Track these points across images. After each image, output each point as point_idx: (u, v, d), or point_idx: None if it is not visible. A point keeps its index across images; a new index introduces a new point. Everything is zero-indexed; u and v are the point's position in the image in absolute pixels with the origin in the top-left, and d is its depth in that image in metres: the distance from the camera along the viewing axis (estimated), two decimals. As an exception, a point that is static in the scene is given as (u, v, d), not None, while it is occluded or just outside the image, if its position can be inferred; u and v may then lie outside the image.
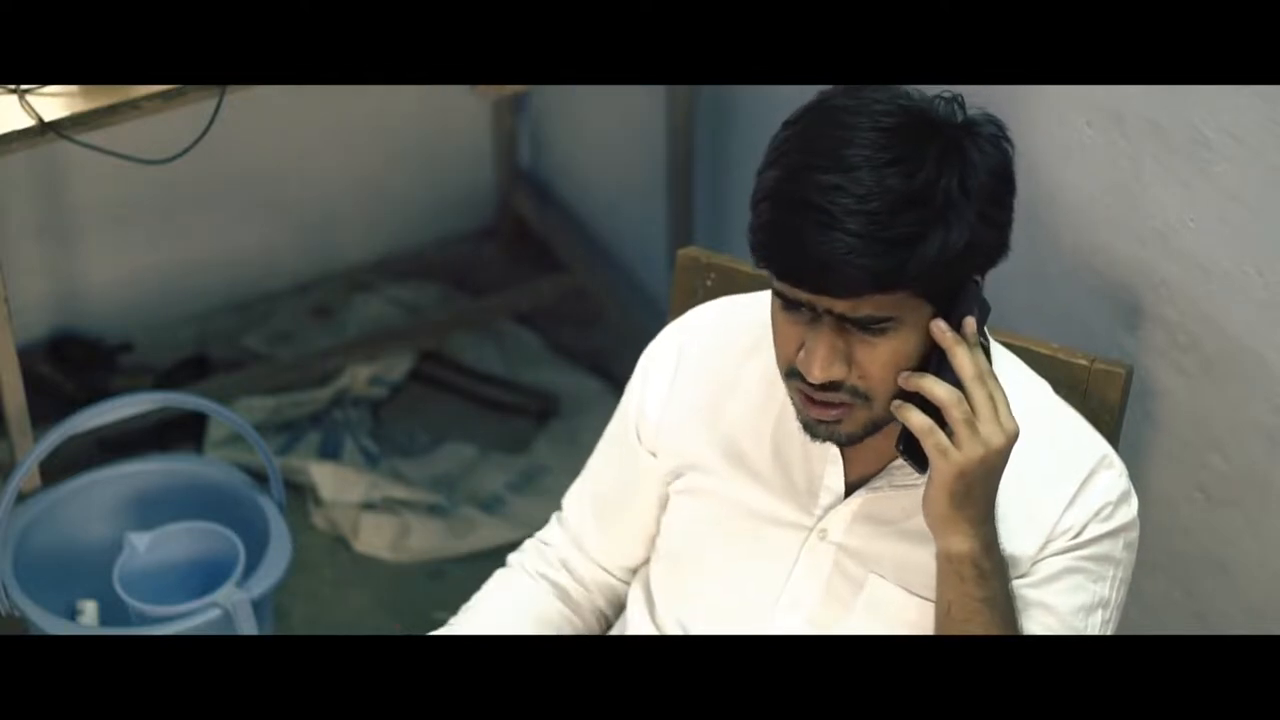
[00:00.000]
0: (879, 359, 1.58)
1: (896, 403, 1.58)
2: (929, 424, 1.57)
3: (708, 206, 3.01)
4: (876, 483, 1.71)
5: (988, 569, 1.61)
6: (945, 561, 1.62)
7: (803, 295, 1.56)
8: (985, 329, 1.67)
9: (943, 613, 1.64)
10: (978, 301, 1.60)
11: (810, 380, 1.58)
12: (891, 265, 1.52)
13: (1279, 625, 2.11)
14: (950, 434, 1.56)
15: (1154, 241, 2.08)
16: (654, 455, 1.81)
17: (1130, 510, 1.70)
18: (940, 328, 1.57)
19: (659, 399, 1.81)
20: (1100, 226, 2.15)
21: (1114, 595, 1.70)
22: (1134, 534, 1.71)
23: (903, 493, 1.70)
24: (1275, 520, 2.08)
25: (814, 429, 1.64)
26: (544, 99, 3.35)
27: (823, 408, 1.61)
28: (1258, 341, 2.01)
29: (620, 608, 1.91)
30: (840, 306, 1.55)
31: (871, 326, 1.56)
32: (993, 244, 1.59)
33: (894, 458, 1.69)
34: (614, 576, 1.91)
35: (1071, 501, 1.67)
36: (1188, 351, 2.09)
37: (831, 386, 1.59)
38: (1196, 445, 2.14)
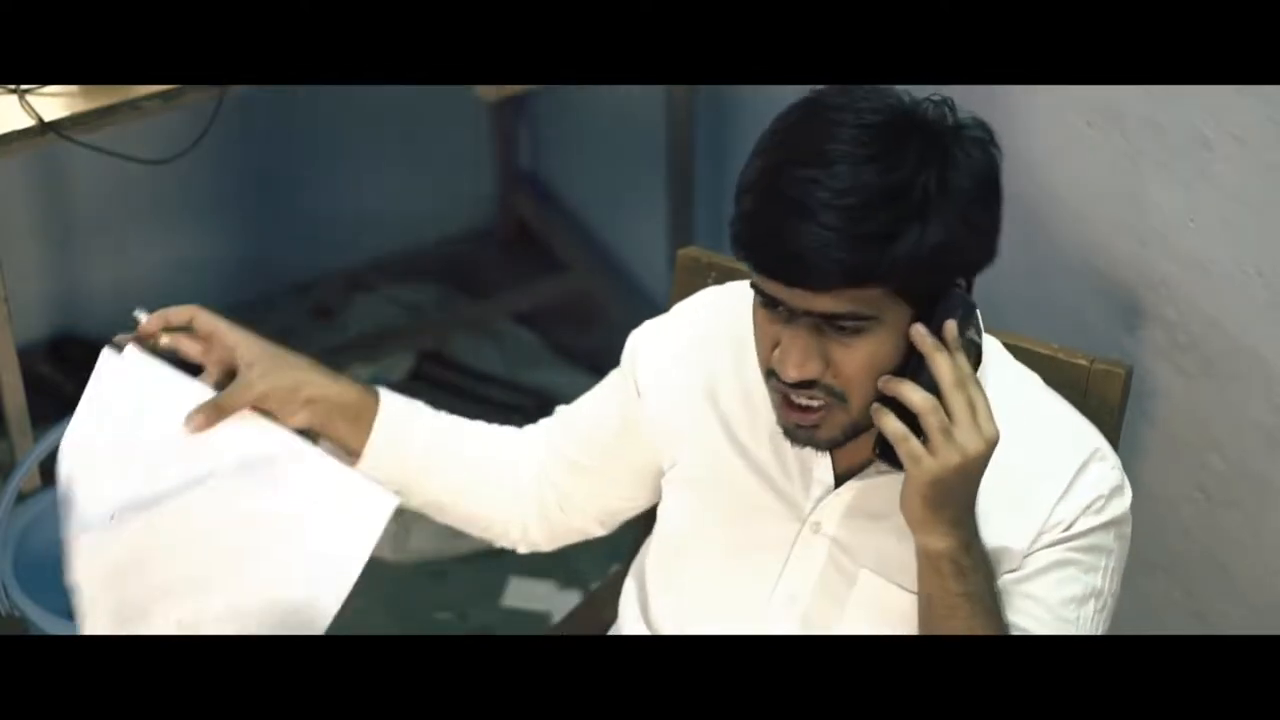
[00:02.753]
0: (855, 360, 1.58)
1: (875, 406, 1.58)
2: (903, 430, 1.56)
3: (708, 206, 3.02)
4: (867, 471, 1.71)
5: (967, 565, 1.60)
6: (924, 558, 1.62)
7: (780, 291, 1.56)
8: (979, 325, 1.67)
9: (924, 607, 1.64)
10: (961, 305, 1.59)
11: (785, 379, 1.59)
12: (864, 260, 1.52)
13: (1279, 625, 2.11)
14: (926, 441, 1.56)
15: (1154, 241, 2.08)
16: (650, 419, 1.81)
17: (1123, 503, 1.70)
18: (920, 333, 1.57)
19: (657, 361, 1.81)
20: (1100, 226, 2.15)
21: (1106, 585, 1.70)
22: (1126, 526, 1.71)
23: (894, 479, 1.69)
24: (1275, 520, 2.08)
25: (793, 434, 1.64)
26: (544, 99, 3.35)
27: (801, 412, 1.61)
28: (1258, 341, 2.01)
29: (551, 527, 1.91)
30: (819, 304, 1.55)
31: (848, 326, 1.56)
32: (975, 248, 1.59)
33: None
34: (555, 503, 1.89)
35: (1064, 495, 1.67)
36: (1188, 351, 2.09)
37: (807, 385, 1.59)
38: (1196, 445, 2.14)
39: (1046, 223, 2.20)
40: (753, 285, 1.60)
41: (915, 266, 1.54)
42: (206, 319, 1.77)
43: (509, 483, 1.89)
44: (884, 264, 1.53)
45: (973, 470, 1.57)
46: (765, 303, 1.59)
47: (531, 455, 1.89)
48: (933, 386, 1.57)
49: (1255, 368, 2.02)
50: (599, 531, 1.92)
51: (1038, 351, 1.88)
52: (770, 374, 1.62)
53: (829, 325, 1.57)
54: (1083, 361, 1.89)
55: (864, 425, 1.62)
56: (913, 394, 1.56)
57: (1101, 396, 1.88)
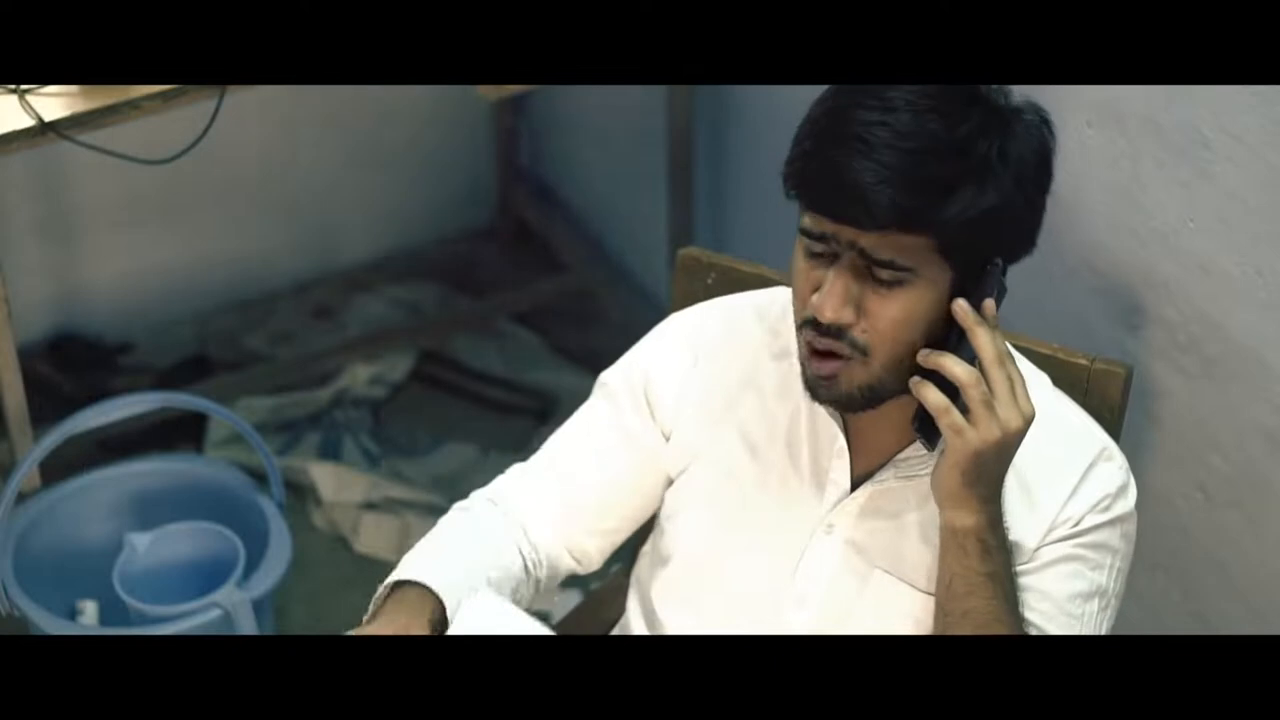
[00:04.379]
0: (889, 313, 1.58)
1: (915, 379, 1.59)
2: (945, 402, 1.57)
3: (708, 206, 3.02)
4: (882, 475, 1.71)
5: (992, 544, 1.62)
6: (949, 535, 1.63)
7: (828, 226, 1.57)
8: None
9: (944, 586, 1.65)
10: (999, 286, 1.61)
11: (821, 319, 1.59)
12: (918, 204, 1.54)
13: (1279, 625, 2.11)
14: (967, 414, 1.57)
15: (1154, 241, 2.08)
16: (666, 438, 1.81)
17: (1128, 502, 1.71)
18: (963, 307, 1.58)
19: (676, 384, 1.80)
20: (1100, 226, 2.15)
21: (1111, 584, 1.71)
22: (1132, 525, 1.72)
23: (909, 484, 1.70)
24: (1275, 520, 2.08)
25: (815, 388, 1.64)
26: (544, 99, 3.35)
27: (822, 358, 1.62)
28: (1258, 341, 2.01)
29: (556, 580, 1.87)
30: (864, 240, 1.56)
31: (889, 272, 1.57)
32: (1024, 223, 1.61)
33: (899, 450, 1.69)
34: (564, 555, 1.84)
35: (1072, 493, 1.68)
36: (1188, 351, 2.09)
37: (836, 334, 1.60)
38: (1196, 445, 2.14)
39: (1047, 223, 2.19)
40: (801, 230, 1.61)
41: (965, 225, 1.56)
42: None
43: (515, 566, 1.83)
44: (934, 213, 1.54)
45: (1010, 446, 1.59)
46: (810, 241, 1.60)
47: (540, 548, 1.83)
48: (970, 361, 1.58)
49: (1255, 368, 2.02)
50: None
51: (1038, 351, 1.88)
52: (804, 324, 1.62)
53: (869, 272, 1.58)
54: (1083, 361, 1.89)
55: (881, 390, 1.63)
56: (955, 366, 1.58)
57: (1102, 396, 1.88)
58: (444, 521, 1.83)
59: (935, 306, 1.59)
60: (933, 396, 1.58)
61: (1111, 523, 1.69)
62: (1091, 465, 1.70)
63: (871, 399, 1.64)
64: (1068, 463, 1.70)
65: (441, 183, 3.40)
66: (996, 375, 1.58)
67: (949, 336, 1.60)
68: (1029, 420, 1.59)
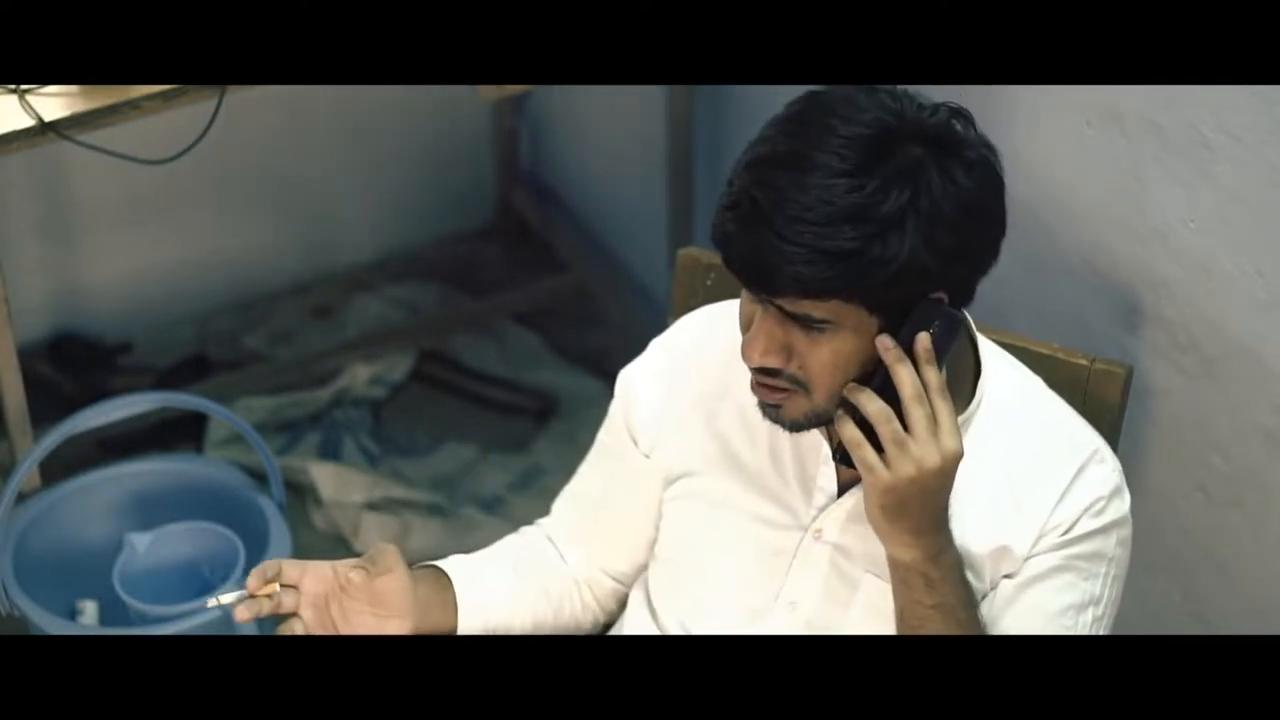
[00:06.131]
0: (819, 356, 1.58)
1: (838, 412, 1.59)
2: (858, 438, 1.56)
3: (708, 207, 3.00)
4: None
5: (935, 577, 1.60)
6: (893, 568, 1.63)
7: (743, 282, 1.58)
8: (971, 327, 1.67)
9: (898, 617, 1.64)
10: (940, 317, 1.58)
11: (749, 364, 1.60)
12: (821, 275, 1.52)
13: (1279, 625, 2.11)
14: (882, 451, 1.56)
15: (1154, 241, 2.08)
16: (648, 457, 1.81)
17: (1123, 506, 1.69)
18: (885, 344, 1.56)
19: (654, 407, 1.80)
20: (1100, 226, 2.15)
21: (1106, 592, 1.69)
22: (1127, 530, 1.70)
23: None
24: (1275, 520, 2.08)
25: (764, 409, 1.65)
26: (544, 99, 3.35)
27: (767, 389, 1.62)
28: (1258, 342, 2.01)
29: (612, 602, 1.92)
30: (777, 300, 1.56)
31: (807, 325, 1.57)
32: (943, 270, 1.56)
33: None
34: (604, 577, 1.91)
35: (1062, 497, 1.67)
36: (1188, 351, 2.09)
37: (770, 373, 1.60)
38: (1196, 445, 2.14)
39: (1046, 223, 2.20)
40: None
41: (871, 283, 1.53)
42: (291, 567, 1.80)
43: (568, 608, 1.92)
44: (838, 280, 1.52)
45: (930, 483, 1.56)
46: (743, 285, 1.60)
47: (577, 590, 1.92)
48: (895, 398, 1.56)
49: (1255, 368, 2.02)
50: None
51: (1038, 351, 1.88)
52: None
53: (792, 320, 1.57)
54: (1083, 361, 1.89)
55: (827, 416, 1.62)
56: (869, 403, 1.56)
57: (1101, 396, 1.88)
58: (512, 545, 1.94)
59: (866, 346, 1.58)
60: (847, 432, 1.57)
61: (1105, 529, 1.68)
62: (1082, 468, 1.68)
63: (820, 423, 1.64)
64: (1057, 465, 1.68)
65: (441, 183, 3.40)
66: (914, 411, 1.55)
67: (876, 370, 1.58)
68: (949, 458, 1.56)
